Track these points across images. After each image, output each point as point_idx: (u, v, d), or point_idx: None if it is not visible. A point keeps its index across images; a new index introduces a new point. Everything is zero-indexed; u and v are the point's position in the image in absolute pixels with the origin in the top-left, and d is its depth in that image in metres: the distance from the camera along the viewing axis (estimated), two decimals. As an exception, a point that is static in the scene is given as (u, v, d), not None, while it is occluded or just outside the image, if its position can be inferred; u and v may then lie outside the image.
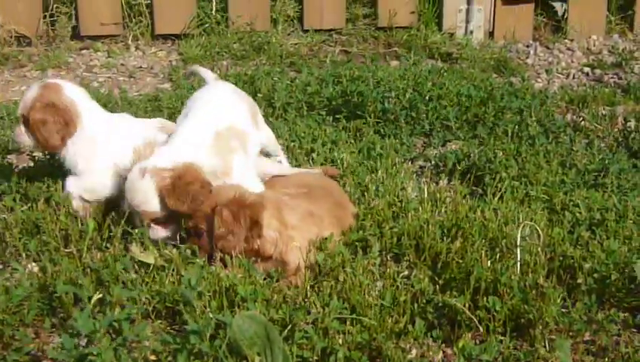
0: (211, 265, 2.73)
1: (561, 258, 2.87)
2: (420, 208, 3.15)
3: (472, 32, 5.77)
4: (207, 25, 5.60)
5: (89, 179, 3.15)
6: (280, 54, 5.40)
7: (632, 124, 4.28)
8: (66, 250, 2.87)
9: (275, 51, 5.41)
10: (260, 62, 5.32)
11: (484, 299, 2.57)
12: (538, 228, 2.93)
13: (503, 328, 2.55)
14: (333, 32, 5.76)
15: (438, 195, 3.32)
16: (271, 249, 2.80)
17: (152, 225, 2.92)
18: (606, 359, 2.50)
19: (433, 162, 3.91)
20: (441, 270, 2.82)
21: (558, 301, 2.57)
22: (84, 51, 5.51)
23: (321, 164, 3.65)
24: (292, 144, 3.84)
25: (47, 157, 3.54)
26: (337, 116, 4.26)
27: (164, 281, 2.67)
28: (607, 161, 3.71)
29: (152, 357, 2.38)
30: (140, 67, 5.34)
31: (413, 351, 2.44)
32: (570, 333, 2.57)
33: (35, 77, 5.12)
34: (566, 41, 5.90)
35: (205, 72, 3.61)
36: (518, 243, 2.81)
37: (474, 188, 3.61)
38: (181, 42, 5.53)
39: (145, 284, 2.68)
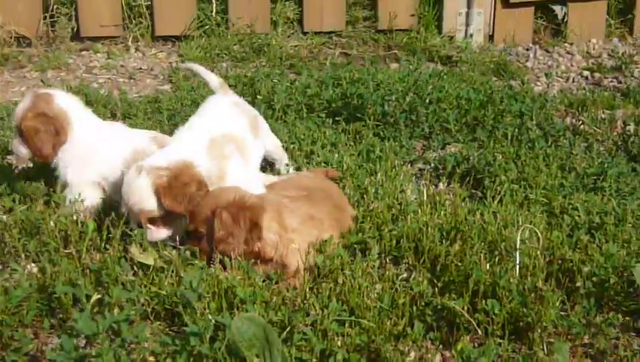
0: (210, 267, 2.72)
1: (560, 261, 2.87)
2: (419, 211, 3.16)
3: (471, 35, 5.78)
4: (207, 26, 5.60)
5: (76, 191, 3.12)
6: (280, 56, 5.40)
7: (631, 127, 4.28)
8: (66, 251, 2.87)
9: (275, 53, 5.42)
10: (260, 64, 5.32)
11: (483, 301, 2.58)
12: (537, 231, 2.93)
13: (501, 331, 2.55)
14: (333, 34, 5.77)
15: (437, 198, 3.32)
16: (271, 252, 2.80)
17: (149, 226, 2.92)
18: (604, 362, 2.51)
19: (433, 165, 3.91)
20: (440, 273, 2.82)
21: (557, 304, 2.58)
22: (84, 52, 5.51)
23: (317, 165, 3.66)
24: (292, 146, 3.84)
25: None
26: (337, 118, 4.27)
27: (164, 283, 2.68)
28: (606, 165, 3.71)
29: (151, 359, 2.38)
30: (140, 68, 5.34)
31: (412, 354, 2.44)
32: (569, 337, 2.58)
33: (34, 77, 5.13)
34: (566, 44, 5.91)
35: (208, 75, 3.61)
36: (517, 247, 2.81)
37: (473, 191, 3.61)
38: (181, 44, 5.54)
39: (144, 286, 2.68)
